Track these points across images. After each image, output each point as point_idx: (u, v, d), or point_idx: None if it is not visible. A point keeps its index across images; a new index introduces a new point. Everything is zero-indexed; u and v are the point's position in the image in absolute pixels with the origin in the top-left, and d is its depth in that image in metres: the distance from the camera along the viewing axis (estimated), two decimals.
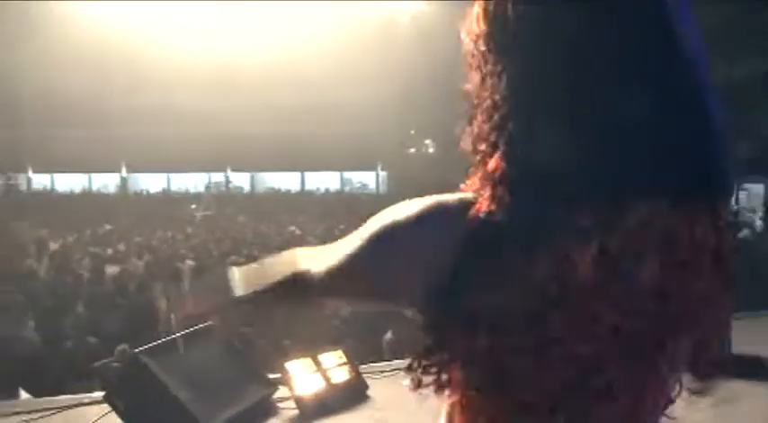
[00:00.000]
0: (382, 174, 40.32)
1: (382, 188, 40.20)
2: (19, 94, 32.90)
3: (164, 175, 39.83)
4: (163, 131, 36.18)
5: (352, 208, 23.90)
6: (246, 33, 29.04)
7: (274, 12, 28.24)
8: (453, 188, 1.02)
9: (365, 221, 1.03)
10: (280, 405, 3.93)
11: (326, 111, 34.22)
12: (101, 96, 33.23)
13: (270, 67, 29.35)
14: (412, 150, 40.82)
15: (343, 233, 1.06)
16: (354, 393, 4.03)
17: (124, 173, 39.31)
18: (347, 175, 41.66)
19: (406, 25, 27.20)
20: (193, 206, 22.38)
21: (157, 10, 26.04)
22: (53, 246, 14.83)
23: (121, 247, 14.44)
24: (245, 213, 22.25)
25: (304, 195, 38.23)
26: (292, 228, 16.98)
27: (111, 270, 11.18)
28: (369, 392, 4.09)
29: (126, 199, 35.40)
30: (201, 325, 4.06)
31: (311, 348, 4.18)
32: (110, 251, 13.73)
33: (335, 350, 4.19)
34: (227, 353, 3.97)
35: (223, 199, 33.46)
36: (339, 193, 39.33)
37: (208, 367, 3.76)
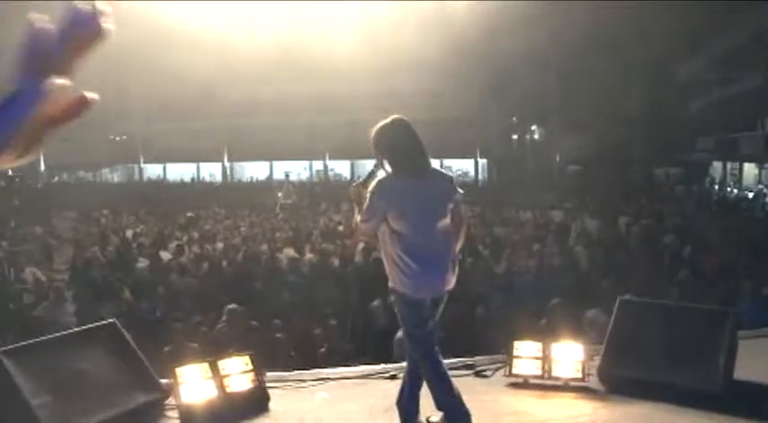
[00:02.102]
0: (482, 161, 39.26)
1: (482, 175, 39.21)
2: (129, 92, 35.00)
3: (267, 164, 40.76)
4: (264, 121, 37.16)
5: None
6: (344, 19, 28.88)
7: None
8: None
9: None
10: (167, 413, 3.54)
11: (425, 96, 33.64)
12: (205, 90, 34.44)
13: (369, 54, 29.10)
14: (514, 137, 39.57)
15: None
16: (252, 405, 3.59)
17: (226, 162, 40.62)
18: (447, 162, 40.89)
19: (506, 12, 26.11)
20: (279, 194, 22.39)
21: (247, 5, 26.48)
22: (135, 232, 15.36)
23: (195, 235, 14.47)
24: (329, 201, 22.09)
25: None
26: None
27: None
28: (271, 405, 3.63)
29: (225, 187, 36.59)
30: (92, 325, 3.77)
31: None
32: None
33: (243, 355, 3.74)
34: (116, 355, 3.63)
35: (317, 186, 33.78)
36: None
37: (85, 370, 3.43)
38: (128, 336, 3.73)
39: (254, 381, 3.65)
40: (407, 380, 3.33)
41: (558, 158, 36.91)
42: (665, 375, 3.63)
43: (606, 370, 3.82)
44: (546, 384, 3.84)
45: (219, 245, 12.79)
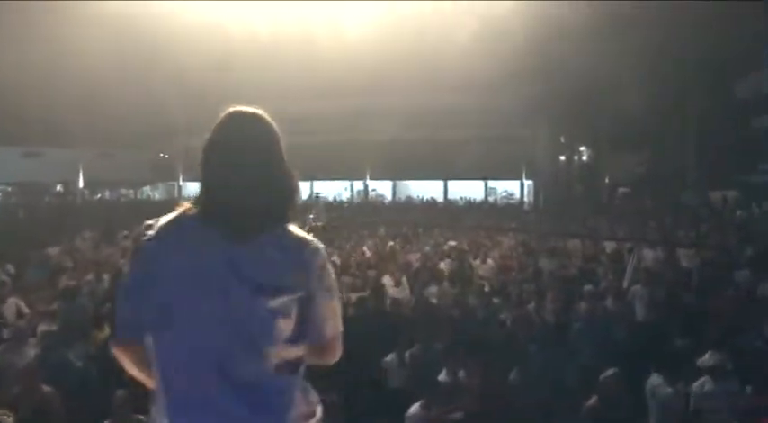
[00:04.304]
0: (528, 183, 37.42)
1: (527, 198, 37.38)
2: (171, 111, 34.70)
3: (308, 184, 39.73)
4: (303, 139, 36.12)
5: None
6: (388, 37, 27.74)
7: (416, 13, 26.91)
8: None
9: None
10: None
11: (471, 114, 32.30)
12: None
13: (411, 69, 28.00)
14: (562, 158, 37.69)
15: None
16: None
17: None
18: (492, 183, 39.10)
19: (556, 25, 24.56)
20: (311, 216, 21.32)
21: (284, 17, 25.86)
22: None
23: None
24: (362, 224, 20.91)
25: (443, 205, 36.04)
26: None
27: None
28: None
29: None
30: None
31: None
32: None
33: None
34: None
35: (356, 207, 32.65)
36: (482, 203, 36.82)
37: None
38: None
39: None
40: None
41: (606, 181, 34.99)
42: None
43: None
44: None
45: None
